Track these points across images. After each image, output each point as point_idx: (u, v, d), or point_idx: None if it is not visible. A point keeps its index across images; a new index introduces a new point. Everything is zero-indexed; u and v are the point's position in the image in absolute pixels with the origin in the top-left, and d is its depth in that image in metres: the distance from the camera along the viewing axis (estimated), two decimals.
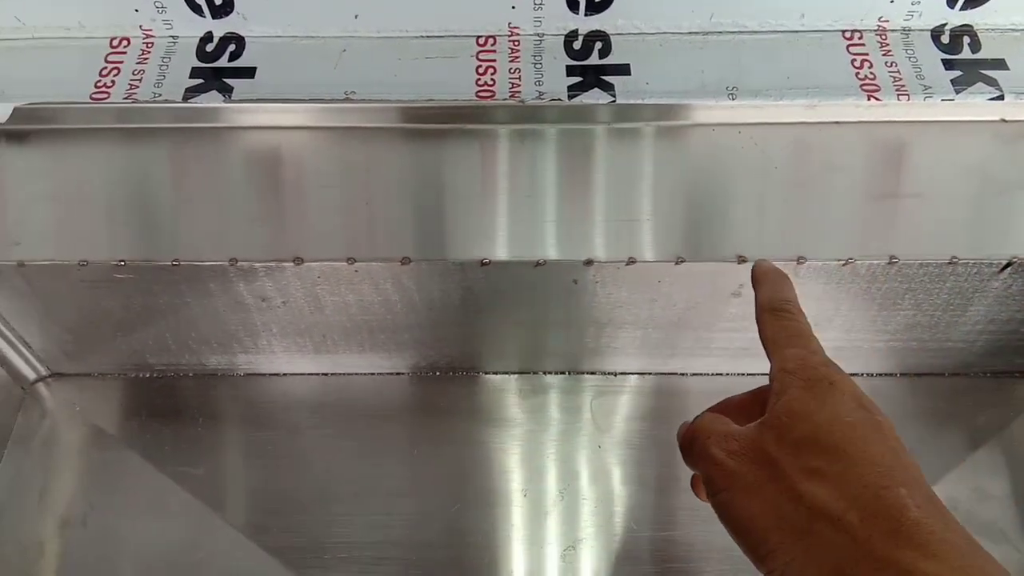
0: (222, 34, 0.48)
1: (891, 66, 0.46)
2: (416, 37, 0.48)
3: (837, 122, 0.45)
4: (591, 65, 0.47)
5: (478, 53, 0.47)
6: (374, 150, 0.44)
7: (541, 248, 0.41)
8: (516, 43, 0.48)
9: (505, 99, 0.45)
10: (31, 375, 0.49)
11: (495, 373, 0.51)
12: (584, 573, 0.45)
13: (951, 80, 0.46)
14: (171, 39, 0.48)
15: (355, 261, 0.41)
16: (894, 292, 0.42)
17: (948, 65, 0.46)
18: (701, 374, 0.50)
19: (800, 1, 0.46)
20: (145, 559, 0.44)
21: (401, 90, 0.45)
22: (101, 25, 0.47)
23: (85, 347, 0.48)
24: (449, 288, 0.43)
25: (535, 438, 0.49)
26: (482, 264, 0.41)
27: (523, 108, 0.45)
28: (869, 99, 0.45)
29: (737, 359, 0.48)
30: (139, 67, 0.47)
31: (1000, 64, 0.46)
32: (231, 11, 0.47)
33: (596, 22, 0.47)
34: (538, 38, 0.48)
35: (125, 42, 0.48)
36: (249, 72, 0.46)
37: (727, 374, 0.50)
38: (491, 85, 0.46)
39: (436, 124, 0.45)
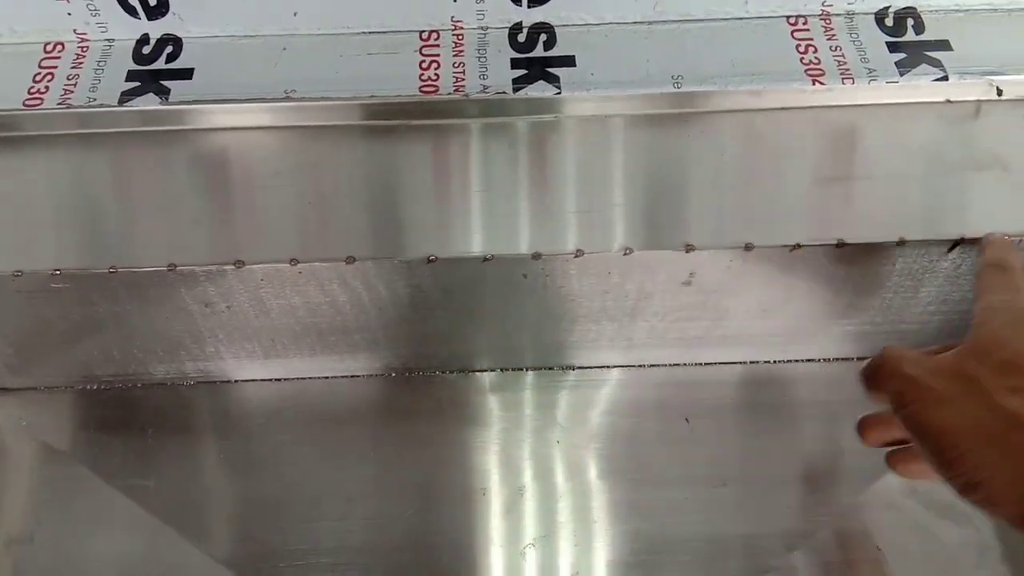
0: (159, 36, 0.47)
1: (836, 50, 0.46)
2: (357, 33, 0.47)
3: (784, 108, 0.45)
4: (536, 57, 0.46)
5: (421, 48, 0.47)
6: (317, 149, 0.44)
7: (489, 243, 0.41)
8: (460, 37, 0.47)
9: (449, 93, 0.44)
10: None
11: (452, 372, 0.50)
12: (550, 569, 0.44)
13: (896, 63, 0.45)
14: (106, 42, 0.47)
15: (298, 262, 0.40)
16: (841, 276, 0.42)
17: (892, 47, 0.46)
18: (658, 365, 0.50)
19: None
20: (96, 574, 0.43)
21: (343, 87, 0.44)
22: (33, 30, 0.46)
23: (28, 360, 0.46)
24: (397, 287, 0.42)
25: (497, 436, 0.48)
26: (428, 261, 0.40)
27: (467, 102, 0.44)
28: (814, 84, 0.44)
29: (692, 348, 0.48)
30: (73, 72, 0.45)
31: (944, 45, 0.46)
32: (167, 12, 0.46)
33: (540, 14, 0.47)
34: (482, 31, 0.47)
35: (60, 47, 0.46)
36: (187, 73, 0.45)
37: (684, 364, 0.49)
38: (435, 80, 0.45)
39: (380, 120, 0.45)
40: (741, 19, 0.47)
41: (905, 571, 0.44)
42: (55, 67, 0.46)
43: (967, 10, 0.47)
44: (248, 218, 0.41)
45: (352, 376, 0.50)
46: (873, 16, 0.47)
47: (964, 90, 0.45)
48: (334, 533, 0.45)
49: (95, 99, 0.44)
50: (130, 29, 0.46)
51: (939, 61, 0.45)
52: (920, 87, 0.45)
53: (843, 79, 0.45)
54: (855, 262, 0.41)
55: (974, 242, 0.40)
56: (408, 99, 0.44)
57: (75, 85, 0.45)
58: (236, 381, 0.49)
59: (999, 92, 0.45)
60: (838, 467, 0.47)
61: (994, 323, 0.33)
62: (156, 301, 0.42)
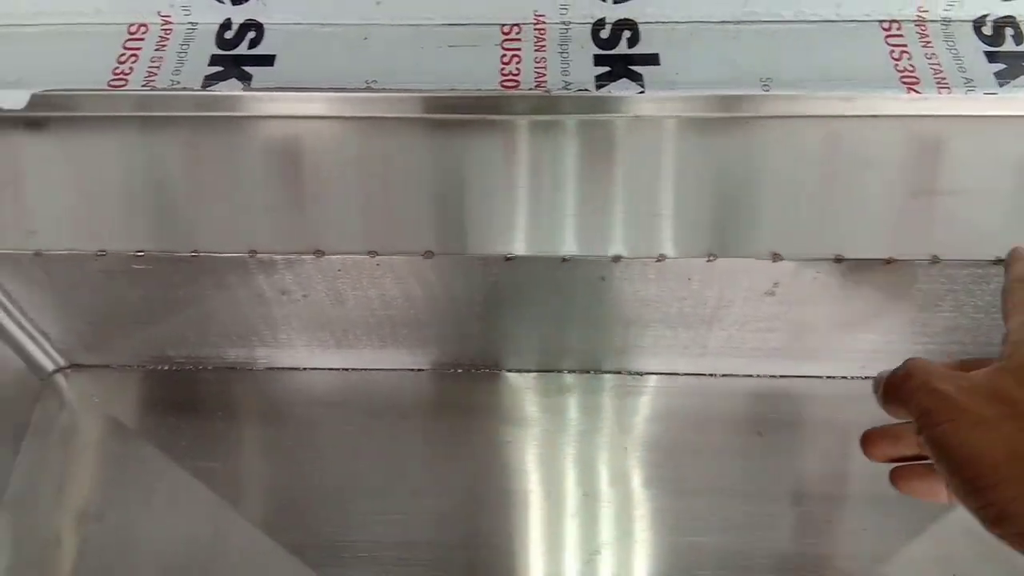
0: (241, 21, 0.47)
1: (931, 58, 0.45)
2: (439, 25, 0.46)
3: (875, 115, 0.43)
4: (619, 55, 0.45)
5: (503, 42, 0.46)
6: (395, 140, 0.43)
7: (567, 243, 0.40)
8: (542, 32, 0.46)
9: (530, 89, 0.44)
10: (49, 366, 0.49)
11: (517, 371, 0.50)
12: None
13: (994, 73, 0.44)
14: (190, 26, 0.47)
15: (377, 255, 0.40)
16: (935, 293, 0.41)
17: (991, 57, 0.45)
18: (731, 375, 0.49)
19: None
20: (162, 553, 0.44)
21: (423, 79, 0.44)
22: (119, 11, 0.46)
23: (104, 338, 0.47)
24: (472, 283, 0.42)
25: (556, 439, 0.48)
26: (506, 259, 0.40)
27: (549, 98, 0.43)
28: (908, 92, 0.43)
29: (770, 360, 0.47)
30: (157, 54, 0.46)
31: None
32: None
33: (624, 10, 0.46)
34: (564, 27, 0.47)
35: (143, 28, 0.47)
36: (268, 60, 0.45)
37: (759, 376, 0.48)
38: (516, 75, 0.44)
39: (459, 114, 0.44)
40: (833, 22, 0.46)
41: None
42: (139, 49, 0.46)
43: None
44: (328, 208, 0.41)
45: (417, 370, 0.49)
46: (971, 24, 0.46)
47: None
48: (395, 527, 0.45)
49: (179, 82, 0.44)
50: (213, 13, 0.47)
51: None
52: (1020, 100, 0.43)
53: (939, 88, 0.43)
54: (948, 279, 0.40)
55: None
56: (489, 93, 0.44)
57: (159, 68, 0.45)
58: (304, 369, 0.49)
59: None
60: None
61: None
62: (234, 287, 0.42)
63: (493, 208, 0.41)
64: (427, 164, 0.43)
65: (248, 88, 0.44)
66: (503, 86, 0.44)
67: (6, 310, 0.44)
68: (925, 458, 0.32)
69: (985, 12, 0.46)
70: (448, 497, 0.46)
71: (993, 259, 0.38)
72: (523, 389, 0.49)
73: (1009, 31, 0.46)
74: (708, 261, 0.39)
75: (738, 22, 0.46)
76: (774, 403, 0.48)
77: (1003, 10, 0.46)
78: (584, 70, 0.45)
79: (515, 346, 0.48)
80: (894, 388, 0.33)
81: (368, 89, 0.44)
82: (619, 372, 0.49)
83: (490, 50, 0.46)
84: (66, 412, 0.48)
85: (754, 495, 0.45)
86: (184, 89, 0.44)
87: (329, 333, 0.46)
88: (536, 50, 0.46)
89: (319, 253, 0.40)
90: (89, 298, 0.44)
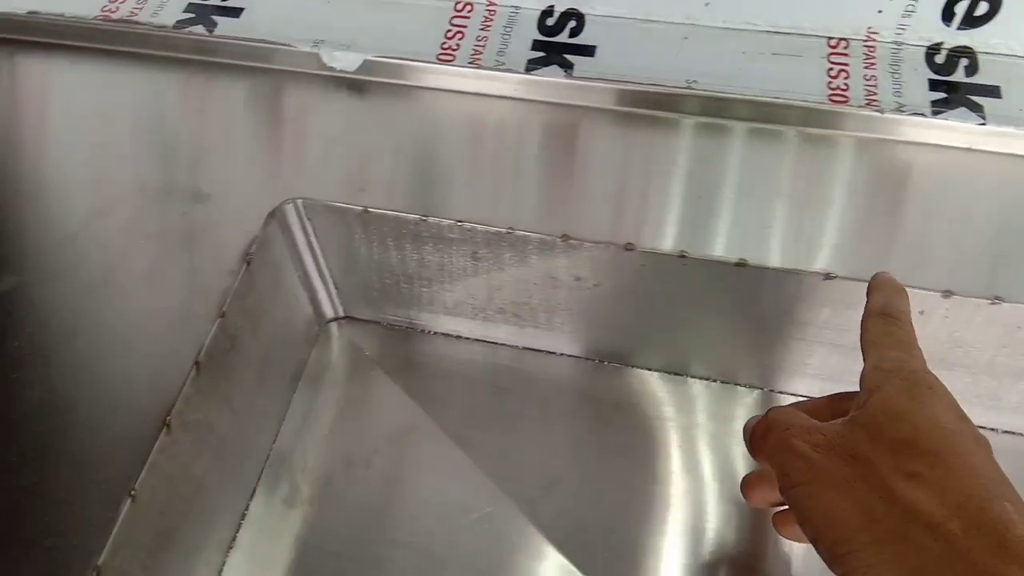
0: (563, 9, 0.48)
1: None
2: (763, 31, 0.46)
3: None
4: (956, 82, 0.43)
5: (829, 55, 0.45)
6: (714, 144, 0.43)
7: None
8: (871, 49, 0.45)
9: (860, 106, 0.42)
10: (329, 314, 0.51)
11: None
12: None
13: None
14: (513, 9, 0.48)
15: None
16: None
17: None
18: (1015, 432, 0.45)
19: None
20: (422, 509, 0.45)
21: (746, 84, 0.44)
22: None
23: (387, 296, 0.49)
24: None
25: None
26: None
27: (881, 119, 0.42)
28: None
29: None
30: (482, 34, 0.47)
31: None
32: None
33: (965, 38, 0.44)
34: (896, 46, 0.45)
35: (468, 7, 0.49)
36: (589, 50, 0.46)
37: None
38: (844, 90, 0.43)
39: (779, 125, 0.43)
40: None
41: None
42: (464, 26, 0.48)
43: None
44: (645, 204, 0.41)
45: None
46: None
47: None
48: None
49: (503, 63, 0.46)
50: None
51: None
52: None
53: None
54: None
55: None
56: (817, 106, 0.43)
57: (484, 47, 0.47)
58: (560, 354, 0.49)
59: None
60: None
61: (886, 390, 0.28)
62: (533, 266, 0.42)
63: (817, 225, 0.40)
64: (716, 167, 0.42)
65: (569, 76, 0.45)
66: (831, 100, 0.43)
67: (314, 256, 0.47)
68: None
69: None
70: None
71: None
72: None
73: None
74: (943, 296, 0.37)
75: None
76: None
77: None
78: (918, 93, 0.43)
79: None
80: (756, 442, 0.31)
81: (689, 89, 0.44)
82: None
83: (815, 62, 0.45)
84: (340, 361, 0.51)
85: None
86: (508, 70, 0.45)
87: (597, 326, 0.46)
88: (865, 67, 0.44)
89: (629, 247, 0.40)
90: (392, 257, 0.45)
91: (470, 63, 0.46)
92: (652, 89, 0.44)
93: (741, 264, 0.38)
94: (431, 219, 0.41)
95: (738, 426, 0.45)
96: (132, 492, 0.33)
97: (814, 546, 0.27)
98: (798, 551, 0.41)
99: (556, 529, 0.43)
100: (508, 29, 0.47)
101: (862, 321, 0.32)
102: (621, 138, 0.44)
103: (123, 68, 0.50)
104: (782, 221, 0.40)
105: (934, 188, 0.41)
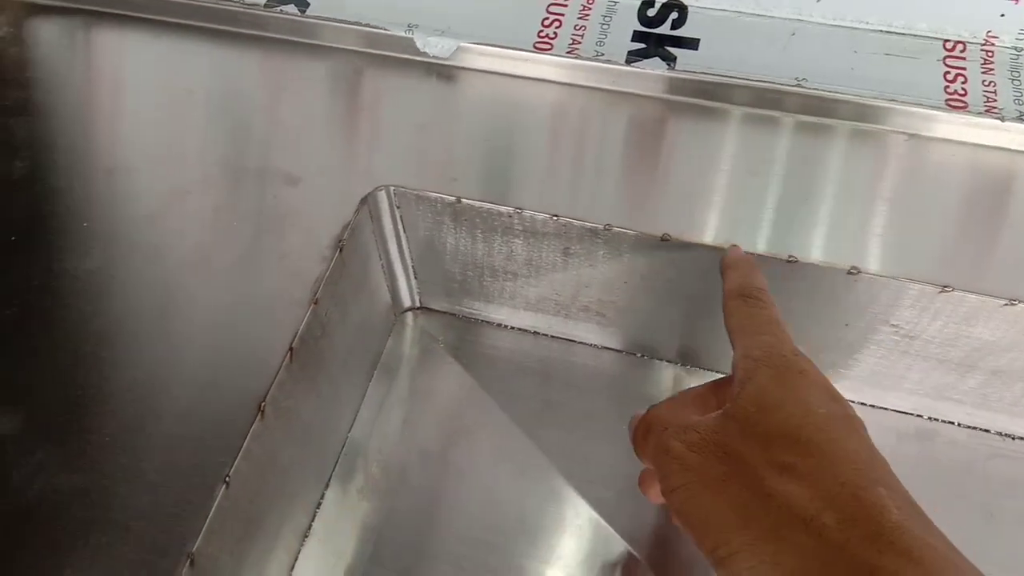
0: (664, 1, 0.46)
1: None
2: (876, 31, 0.44)
3: None
4: None
5: (945, 58, 0.43)
6: (821, 140, 0.42)
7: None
8: (990, 53, 0.43)
9: (979, 113, 0.40)
10: (406, 303, 0.51)
11: None
12: None
13: None
14: None
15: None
16: None
17: None
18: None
19: None
20: (493, 506, 0.44)
21: (859, 85, 0.42)
22: None
23: (466, 288, 0.48)
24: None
25: None
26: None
27: (1000, 127, 0.40)
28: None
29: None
30: (580, 23, 0.46)
31: None
32: None
33: None
34: (1015, 52, 0.43)
35: None
36: (693, 43, 0.45)
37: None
38: (962, 95, 0.41)
39: (884, 126, 0.42)
40: None
41: None
42: (562, 15, 0.46)
43: None
44: (745, 203, 0.40)
45: None
46: None
47: None
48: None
49: (602, 53, 0.44)
50: None
51: None
52: None
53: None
54: None
55: None
56: (932, 110, 0.41)
57: (582, 36, 0.45)
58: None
59: None
60: None
61: (756, 380, 0.27)
62: (599, 262, 0.41)
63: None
64: (848, 171, 0.41)
65: (671, 69, 0.43)
66: (949, 104, 0.41)
67: (399, 245, 0.46)
68: None
69: None
70: None
71: None
72: None
73: None
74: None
75: None
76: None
77: None
78: None
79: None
80: (637, 443, 0.30)
81: (798, 86, 0.42)
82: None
83: (931, 65, 0.43)
84: (414, 351, 0.50)
85: None
86: (608, 61, 0.44)
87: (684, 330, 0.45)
88: (983, 72, 0.42)
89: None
90: (479, 249, 0.44)
91: (568, 53, 0.44)
92: (761, 86, 0.42)
93: (853, 272, 0.37)
94: (525, 212, 0.40)
95: None
96: (227, 478, 0.32)
97: (700, 551, 0.26)
98: None
99: (632, 530, 0.42)
100: (607, 18, 0.46)
101: (723, 304, 0.31)
102: (719, 134, 0.43)
103: (208, 45, 0.50)
104: (887, 227, 0.39)
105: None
